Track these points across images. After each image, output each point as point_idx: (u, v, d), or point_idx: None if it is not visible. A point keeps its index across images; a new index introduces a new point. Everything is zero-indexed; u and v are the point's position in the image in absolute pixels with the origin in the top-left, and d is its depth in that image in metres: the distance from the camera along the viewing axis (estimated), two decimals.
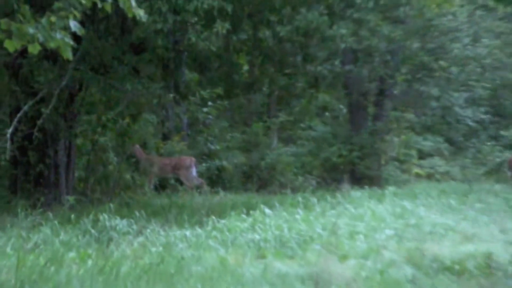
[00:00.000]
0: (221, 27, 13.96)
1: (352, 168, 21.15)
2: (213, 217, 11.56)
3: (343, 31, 15.61)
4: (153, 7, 13.37)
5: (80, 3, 7.07)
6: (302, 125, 26.25)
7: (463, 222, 11.82)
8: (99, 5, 7.08)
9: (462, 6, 24.23)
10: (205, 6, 13.52)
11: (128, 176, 18.19)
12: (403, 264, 8.68)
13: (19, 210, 11.73)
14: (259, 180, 20.85)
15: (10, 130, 13.26)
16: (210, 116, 23.82)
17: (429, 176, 24.35)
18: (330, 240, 9.48)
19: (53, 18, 6.94)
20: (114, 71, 15.54)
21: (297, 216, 11.78)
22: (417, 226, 11.19)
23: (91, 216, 11.22)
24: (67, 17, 7.01)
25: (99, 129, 17.65)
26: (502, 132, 28.28)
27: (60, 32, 6.97)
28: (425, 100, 24.86)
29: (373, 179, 20.41)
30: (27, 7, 6.95)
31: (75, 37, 7.47)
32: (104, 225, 10.91)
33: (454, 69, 22.51)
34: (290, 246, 9.78)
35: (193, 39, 15.14)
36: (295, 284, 7.74)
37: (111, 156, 18.17)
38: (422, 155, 26.43)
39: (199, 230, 10.82)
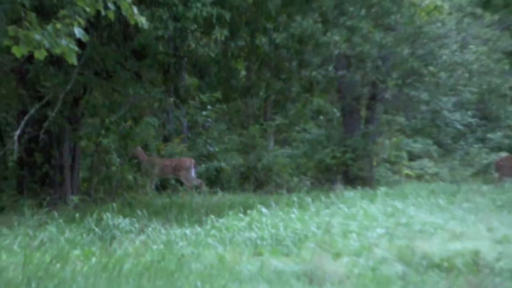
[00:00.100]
0: (219, 34, 13.97)
1: (345, 169, 21.16)
2: (212, 216, 11.54)
3: (337, 38, 15.63)
4: (154, 14, 13.39)
5: (85, 11, 7.07)
6: (297, 128, 26.26)
7: (451, 221, 11.82)
8: (103, 13, 7.08)
9: (450, 14, 24.28)
10: (204, 13, 13.53)
11: (130, 177, 18.15)
12: (394, 261, 8.69)
13: (25, 209, 11.73)
14: (256, 181, 20.83)
15: (17, 132, 13.25)
16: (209, 119, 23.80)
17: (419, 177, 24.36)
18: (324, 238, 9.49)
19: (58, 25, 6.94)
20: (117, 76, 15.55)
21: (293, 215, 11.76)
22: (408, 225, 11.18)
23: (94, 215, 11.19)
24: (72, 24, 7.01)
25: (102, 132, 17.62)
26: (489, 135, 28.31)
27: (65, 38, 6.97)
28: (415, 104, 24.88)
29: (365, 180, 20.43)
30: (33, 14, 6.94)
31: (80, 43, 7.47)
32: (107, 224, 10.90)
33: (443, 75, 22.51)
34: (285, 244, 9.77)
35: (193, 45, 15.16)
36: (290, 281, 7.74)
37: (114, 157, 18.13)
38: (412, 157, 26.45)
39: (198, 229, 10.82)
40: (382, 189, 16.86)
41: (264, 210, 12.11)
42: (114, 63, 15.14)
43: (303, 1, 15.48)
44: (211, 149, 21.65)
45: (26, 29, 6.81)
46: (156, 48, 14.78)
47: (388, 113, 24.61)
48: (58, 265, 7.50)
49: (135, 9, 7.19)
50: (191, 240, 10.05)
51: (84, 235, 10.35)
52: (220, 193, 17.38)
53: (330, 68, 20.32)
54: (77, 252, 8.81)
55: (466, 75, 23.85)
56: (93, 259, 8.18)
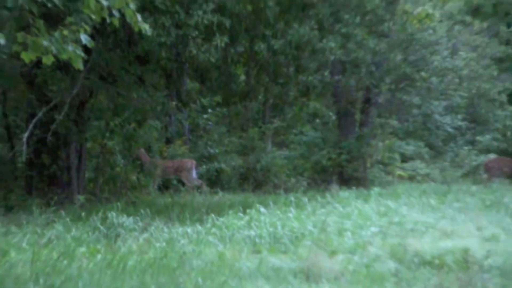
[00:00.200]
0: (220, 40, 13.98)
1: (340, 170, 21.13)
2: (213, 215, 11.52)
3: (332, 44, 15.63)
4: (157, 21, 13.39)
5: (90, 18, 7.07)
6: (294, 130, 26.24)
7: (442, 220, 11.80)
8: (108, 20, 7.07)
9: (441, 21, 24.32)
10: (205, 21, 13.55)
11: (134, 177, 18.15)
12: (387, 259, 8.69)
13: (34, 208, 11.74)
14: (254, 181, 20.81)
15: (26, 135, 13.26)
16: (209, 122, 23.80)
17: (411, 178, 24.33)
18: (320, 236, 9.47)
19: (65, 32, 6.93)
20: (121, 81, 15.54)
21: (290, 215, 11.76)
22: (400, 224, 11.17)
23: (100, 214, 11.20)
24: (78, 31, 7.01)
25: (107, 134, 17.64)
26: (478, 138, 28.29)
27: (72, 44, 6.97)
28: (407, 108, 24.93)
29: (359, 180, 20.41)
30: (41, 21, 6.94)
31: (86, 49, 7.47)
32: (112, 222, 10.89)
33: (434, 80, 22.55)
34: (283, 242, 9.76)
35: (194, 51, 15.14)
36: (288, 277, 7.74)
37: (118, 158, 18.14)
38: (404, 158, 26.43)
39: (199, 227, 10.81)
40: (376, 189, 16.83)
41: (262, 209, 12.10)
42: (119, 68, 15.14)
43: (300, 9, 15.49)
44: (212, 150, 21.63)
45: (35, 36, 6.81)
46: (159, 54, 14.78)
47: (381, 117, 24.62)
48: (65, 262, 7.51)
49: (139, 17, 7.19)
50: (192, 238, 10.04)
51: (90, 233, 10.35)
52: (220, 193, 17.37)
53: (326, 73, 20.31)
54: (83, 249, 8.81)
55: (456, 80, 23.90)
56: (99, 256, 8.18)
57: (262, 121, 25.14)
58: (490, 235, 10.25)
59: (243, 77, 22.53)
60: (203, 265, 7.96)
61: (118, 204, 12.48)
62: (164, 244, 9.46)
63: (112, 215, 11.10)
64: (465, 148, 27.57)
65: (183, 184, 18.84)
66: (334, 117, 23.54)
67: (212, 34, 14.15)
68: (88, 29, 7.14)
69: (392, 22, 19.70)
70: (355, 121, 22.49)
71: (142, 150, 18.74)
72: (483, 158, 25.27)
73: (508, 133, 27.60)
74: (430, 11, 21.76)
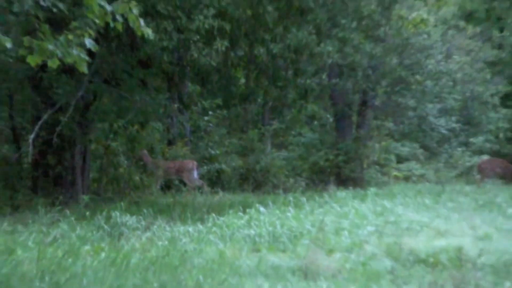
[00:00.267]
0: (220, 44, 14.00)
1: (337, 171, 21.14)
2: (213, 215, 11.52)
3: (330, 48, 15.65)
4: (159, 26, 13.40)
5: (95, 23, 7.06)
6: (293, 132, 26.27)
7: (436, 219, 11.79)
8: (111, 25, 7.07)
9: (435, 26, 24.33)
10: (206, 25, 13.56)
11: (137, 178, 18.12)
12: (383, 257, 8.69)
13: (39, 207, 11.72)
14: (254, 182, 20.78)
15: (32, 136, 13.28)
16: (210, 124, 23.76)
17: (406, 178, 24.34)
18: (318, 235, 9.44)
19: (70, 36, 6.93)
20: (125, 84, 15.55)
21: (289, 214, 11.75)
22: (396, 223, 11.15)
23: (104, 213, 11.19)
24: (83, 35, 7.01)
25: (111, 135, 17.65)
26: (472, 139, 28.33)
27: (77, 48, 6.96)
28: (403, 110, 24.92)
29: (356, 181, 20.40)
30: (47, 26, 6.94)
31: (90, 53, 7.47)
32: (115, 221, 10.88)
33: (428, 83, 22.56)
34: (282, 241, 9.74)
35: (195, 55, 15.18)
36: (286, 275, 7.74)
37: (121, 159, 18.13)
38: (400, 159, 26.45)
39: (200, 226, 10.80)
40: (372, 189, 16.81)
41: (262, 209, 12.09)
42: (122, 71, 15.16)
43: (298, 14, 15.51)
44: (213, 152, 21.60)
45: (40, 40, 6.81)
46: (161, 58, 14.79)
47: (377, 119, 24.63)
48: (69, 260, 7.50)
49: (141, 21, 7.19)
50: (193, 237, 10.03)
51: (94, 232, 10.34)
52: (220, 193, 17.34)
53: (324, 76, 20.35)
54: (87, 247, 8.80)
55: (450, 83, 23.93)
56: (102, 254, 8.18)
57: (261, 123, 25.12)
58: (483, 234, 10.24)
59: (243, 80, 22.55)
60: (204, 263, 7.95)
61: (122, 203, 12.50)
62: (166, 242, 9.45)
63: (115, 214, 11.09)
64: (459, 149, 27.61)
65: (185, 184, 18.81)
66: (331, 119, 23.56)
67: (212, 39, 14.17)
68: (92, 33, 7.13)
69: (388, 27, 19.73)
70: (352, 123, 22.50)
71: (145, 151, 18.72)
72: (476, 159, 25.30)
73: (501, 135, 27.62)
74: (425, 16, 21.79)
